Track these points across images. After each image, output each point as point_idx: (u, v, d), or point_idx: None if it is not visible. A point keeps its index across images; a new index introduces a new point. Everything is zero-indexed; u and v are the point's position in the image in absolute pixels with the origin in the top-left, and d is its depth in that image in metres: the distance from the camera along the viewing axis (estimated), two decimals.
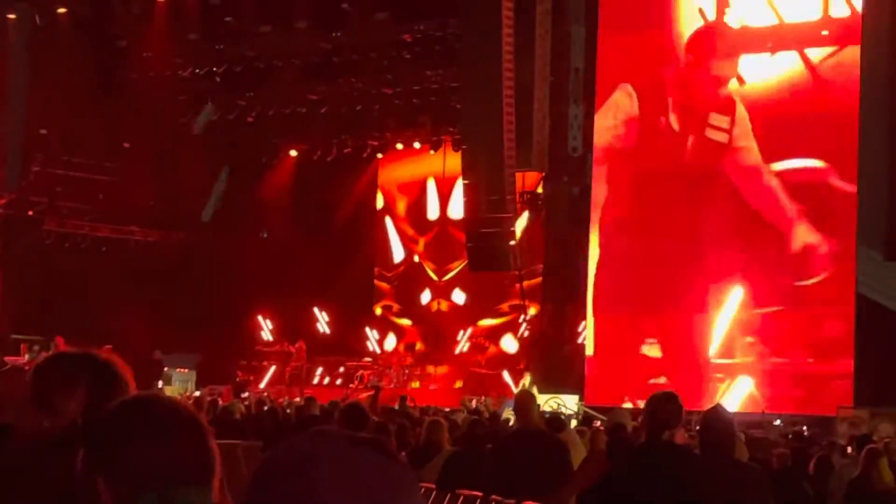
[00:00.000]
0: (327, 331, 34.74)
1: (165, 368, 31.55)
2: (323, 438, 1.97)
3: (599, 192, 27.42)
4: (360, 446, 1.98)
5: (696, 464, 6.85)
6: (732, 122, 25.78)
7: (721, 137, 25.92)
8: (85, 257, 33.58)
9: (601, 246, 27.32)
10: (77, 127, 32.90)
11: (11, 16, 30.79)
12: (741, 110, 25.72)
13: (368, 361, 33.65)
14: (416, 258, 35.23)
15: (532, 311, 30.56)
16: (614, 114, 27.07)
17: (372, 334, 34.55)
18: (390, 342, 34.50)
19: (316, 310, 34.51)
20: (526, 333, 30.64)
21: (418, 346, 34.39)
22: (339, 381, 32.40)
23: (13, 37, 30.94)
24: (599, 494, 7.34)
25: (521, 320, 31.21)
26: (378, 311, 35.56)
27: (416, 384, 31.73)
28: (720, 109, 25.98)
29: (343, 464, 1.93)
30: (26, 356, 29.40)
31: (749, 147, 25.67)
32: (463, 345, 32.68)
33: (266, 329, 34.86)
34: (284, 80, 33.31)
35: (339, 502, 1.90)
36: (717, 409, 7.56)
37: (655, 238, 26.35)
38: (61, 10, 30.88)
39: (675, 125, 26.46)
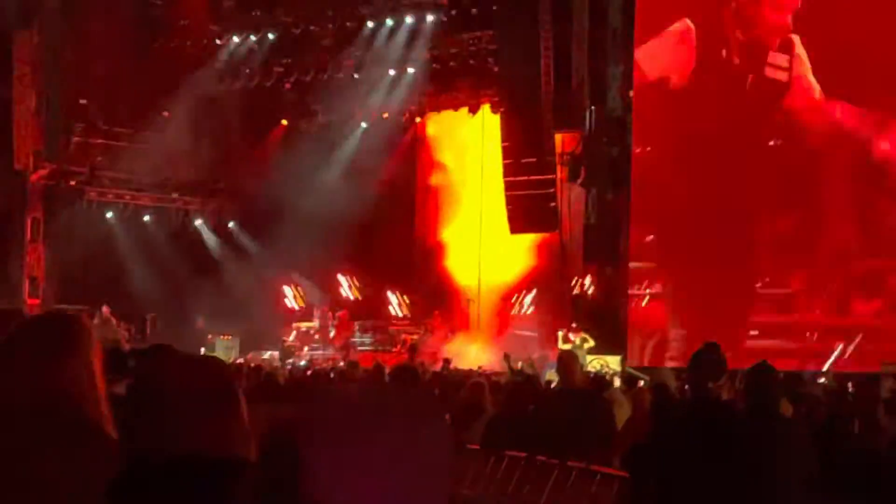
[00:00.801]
0: (364, 295, 34.77)
1: (209, 336, 31.72)
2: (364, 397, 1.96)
3: (642, 143, 27.23)
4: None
5: (740, 421, 6.82)
6: (792, 61, 25.43)
7: (781, 76, 25.60)
8: (127, 226, 33.74)
9: (643, 203, 27.20)
10: (116, 96, 33.00)
11: None
12: (800, 48, 25.37)
13: (411, 325, 33.70)
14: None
15: (574, 272, 30.51)
16: (672, 46, 26.75)
17: (393, 298, 34.63)
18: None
19: (348, 277, 34.53)
20: (569, 295, 30.58)
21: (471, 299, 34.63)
22: (381, 347, 32.47)
23: (51, 8, 31.01)
24: (644, 453, 7.32)
25: (562, 281, 31.14)
26: (427, 257, 35.78)
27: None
28: (780, 48, 25.66)
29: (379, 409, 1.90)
30: None
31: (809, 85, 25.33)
32: (527, 307, 32.60)
33: (290, 297, 34.92)
34: (321, 45, 33.27)
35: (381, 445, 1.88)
36: (762, 365, 7.52)
37: (701, 194, 26.16)
38: None
39: (735, 61, 26.15)
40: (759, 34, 25.88)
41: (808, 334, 25.01)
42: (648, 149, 27.24)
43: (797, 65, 25.34)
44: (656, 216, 27.00)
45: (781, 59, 25.48)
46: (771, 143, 25.82)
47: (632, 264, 27.41)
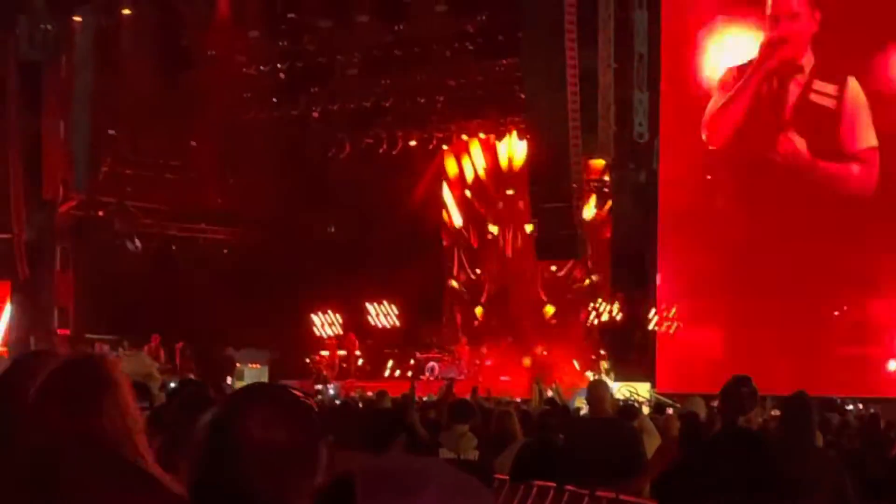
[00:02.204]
0: (396, 324, 34.79)
1: (238, 364, 31.71)
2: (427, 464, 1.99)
3: (668, 168, 27.21)
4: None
5: (772, 451, 6.78)
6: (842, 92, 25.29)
7: (828, 102, 25.41)
8: (155, 256, 33.84)
9: (671, 230, 27.17)
10: (144, 127, 33.15)
11: (77, 18, 31.03)
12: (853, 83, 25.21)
13: (439, 353, 33.68)
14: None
15: (601, 298, 30.46)
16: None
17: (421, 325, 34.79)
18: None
19: (385, 303, 34.57)
20: (596, 321, 30.53)
21: (479, 311, 34.78)
22: (409, 374, 32.41)
23: (79, 39, 31.17)
24: (674, 482, 7.29)
25: (590, 308, 31.11)
26: (453, 283, 35.94)
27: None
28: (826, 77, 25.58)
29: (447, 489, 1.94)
30: None
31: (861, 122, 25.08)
32: (556, 334, 32.61)
33: (318, 325, 34.97)
34: (347, 74, 33.36)
35: None
36: (800, 395, 7.46)
37: (730, 221, 26.07)
38: (126, 12, 31.10)
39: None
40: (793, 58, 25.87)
41: (774, 359, 24.82)
42: (677, 174, 27.26)
43: (846, 93, 25.21)
44: (686, 243, 26.96)
45: (828, 87, 25.35)
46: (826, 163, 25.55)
47: (660, 291, 27.35)
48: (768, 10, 26.07)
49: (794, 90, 25.69)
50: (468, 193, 36.17)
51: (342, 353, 33.68)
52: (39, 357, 4.43)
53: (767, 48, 26.01)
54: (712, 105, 26.72)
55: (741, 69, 26.45)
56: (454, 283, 36.30)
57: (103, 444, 3.44)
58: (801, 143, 25.49)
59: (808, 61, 25.67)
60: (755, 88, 26.18)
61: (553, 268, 33.43)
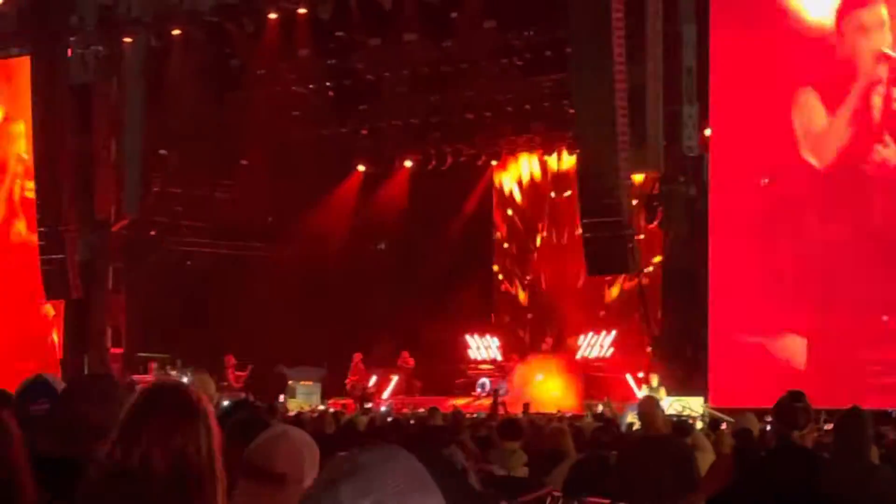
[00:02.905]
0: (449, 340, 34.76)
1: (290, 382, 31.81)
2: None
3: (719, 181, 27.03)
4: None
5: (826, 469, 6.71)
6: None
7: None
8: (207, 275, 34.01)
9: (722, 243, 26.99)
10: (194, 146, 33.35)
11: (127, 39, 31.27)
12: None
13: (489, 369, 33.64)
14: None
15: (651, 312, 30.34)
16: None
17: (472, 341, 34.63)
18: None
19: (437, 320, 34.57)
20: (648, 335, 30.41)
21: (531, 319, 34.84)
22: (459, 391, 32.41)
23: (129, 60, 31.42)
24: (728, 501, 7.23)
25: (641, 322, 30.99)
26: (506, 293, 36.00)
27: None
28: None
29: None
30: (153, 374, 29.93)
31: None
32: (606, 349, 32.53)
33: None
34: (396, 91, 33.44)
35: None
36: (855, 411, 7.34)
37: (789, 233, 25.85)
38: (175, 32, 31.31)
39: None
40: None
41: (840, 373, 24.46)
42: (728, 186, 27.08)
43: None
44: (738, 255, 26.76)
45: None
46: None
47: (712, 304, 27.15)
48: (854, 21, 25.74)
49: (876, 101, 25.37)
50: (518, 208, 36.16)
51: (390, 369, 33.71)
52: (104, 381, 4.54)
53: (871, 61, 25.58)
54: (811, 123, 26.31)
55: (827, 83, 25.99)
56: (506, 293, 36.35)
57: (186, 471, 3.55)
58: (892, 152, 25.22)
59: (884, 71, 25.39)
60: (856, 103, 25.81)
61: (604, 283, 33.36)
